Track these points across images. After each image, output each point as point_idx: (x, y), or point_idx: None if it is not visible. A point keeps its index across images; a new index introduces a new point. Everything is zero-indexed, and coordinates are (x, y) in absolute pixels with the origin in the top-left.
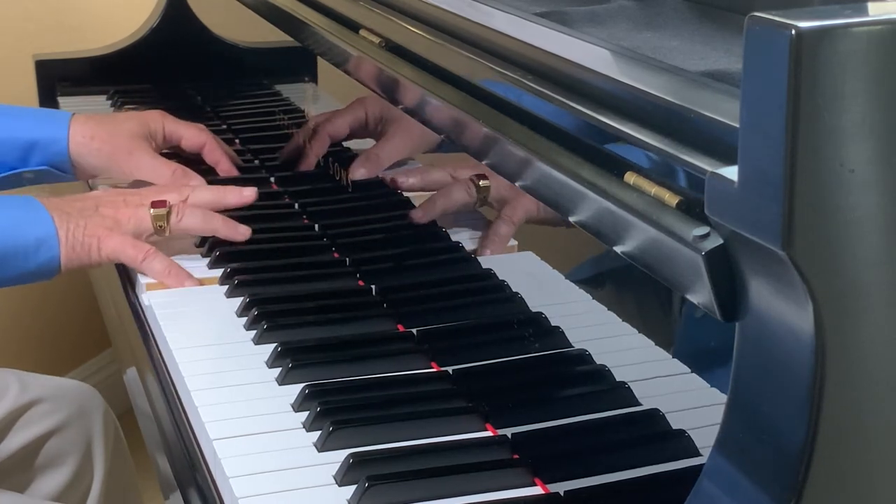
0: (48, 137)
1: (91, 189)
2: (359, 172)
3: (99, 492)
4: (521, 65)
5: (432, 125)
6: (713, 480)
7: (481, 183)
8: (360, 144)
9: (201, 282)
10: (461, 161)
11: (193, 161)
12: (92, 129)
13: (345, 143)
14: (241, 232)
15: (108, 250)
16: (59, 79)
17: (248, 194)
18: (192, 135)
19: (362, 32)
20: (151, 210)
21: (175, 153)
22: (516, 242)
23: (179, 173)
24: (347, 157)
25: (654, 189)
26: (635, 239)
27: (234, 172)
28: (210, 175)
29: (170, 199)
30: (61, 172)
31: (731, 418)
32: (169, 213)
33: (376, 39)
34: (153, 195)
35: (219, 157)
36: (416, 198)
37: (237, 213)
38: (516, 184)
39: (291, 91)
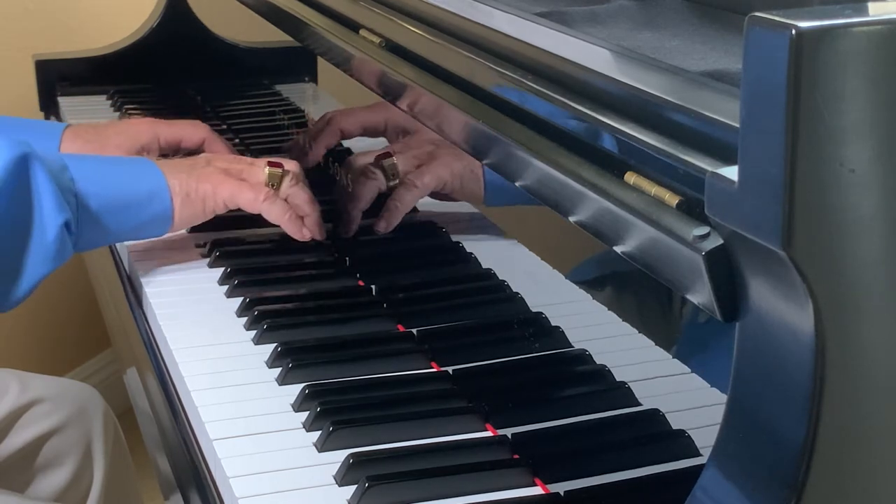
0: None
1: None
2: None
3: (99, 492)
4: (521, 65)
5: (432, 125)
6: (710, 485)
7: (385, 162)
8: (360, 143)
9: (308, 236)
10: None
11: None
12: (80, 147)
13: (345, 143)
14: (321, 234)
15: (224, 195)
16: (59, 79)
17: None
18: (189, 133)
19: (362, 32)
20: (267, 168)
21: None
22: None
23: None
24: (346, 155)
25: (654, 189)
26: (635, 239)
27: None
28: None
29: (287, 166)
30: None
31: (731, 418)
32: (283, 176)
33: (376, 39)
34: (269, 158)
35: (218, 149)
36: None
37: (236, 213)
38: (516, 183)
39: (291, 91)
